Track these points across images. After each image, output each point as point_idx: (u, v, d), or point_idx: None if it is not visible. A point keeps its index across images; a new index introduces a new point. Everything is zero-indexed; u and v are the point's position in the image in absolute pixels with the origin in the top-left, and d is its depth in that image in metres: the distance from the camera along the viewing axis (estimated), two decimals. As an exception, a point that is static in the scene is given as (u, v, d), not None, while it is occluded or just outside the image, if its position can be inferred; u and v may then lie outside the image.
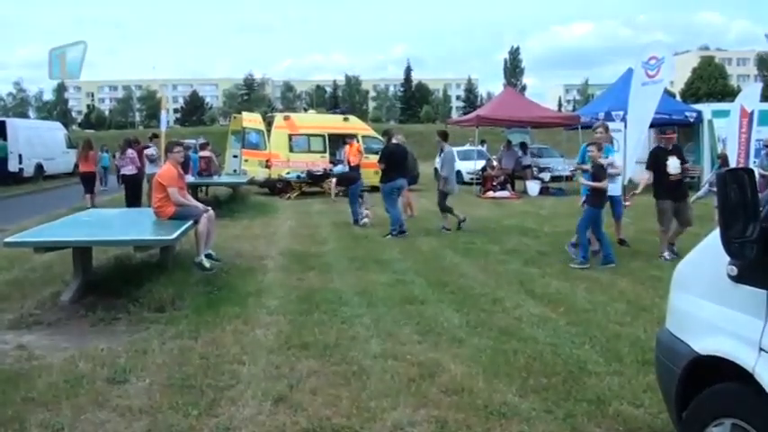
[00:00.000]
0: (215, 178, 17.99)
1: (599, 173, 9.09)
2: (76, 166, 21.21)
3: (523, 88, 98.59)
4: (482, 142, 28.54)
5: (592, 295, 7.37)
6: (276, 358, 5.24)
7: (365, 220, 13.32)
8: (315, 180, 20.29)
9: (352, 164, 21.41)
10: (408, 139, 12.93)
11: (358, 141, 21.77)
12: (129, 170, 15.78)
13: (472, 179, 22.48)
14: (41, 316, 6.66)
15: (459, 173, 25.71)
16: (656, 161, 9.48)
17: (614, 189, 9.99)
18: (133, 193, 15.59)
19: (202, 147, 18.97)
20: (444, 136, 12.89)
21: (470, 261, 9.51)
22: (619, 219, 10.60)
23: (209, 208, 8.81)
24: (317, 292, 7.52)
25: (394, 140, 12.43)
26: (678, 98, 56.11)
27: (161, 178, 8.56)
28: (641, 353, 5.20)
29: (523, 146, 23.19)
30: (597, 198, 9.14)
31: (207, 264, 8.30)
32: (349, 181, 14.33)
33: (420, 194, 15.88)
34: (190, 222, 8.19)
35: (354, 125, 22.93)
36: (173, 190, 8.43)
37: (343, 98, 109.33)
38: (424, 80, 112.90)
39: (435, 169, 28.91)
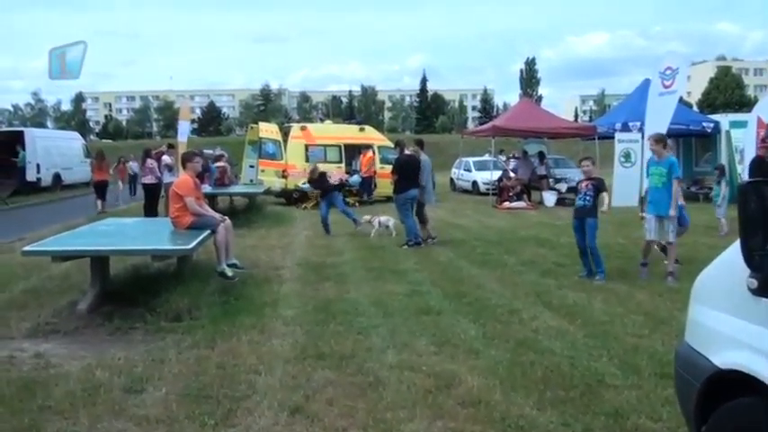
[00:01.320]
0: (230, 189, 18.06)
1: (602, 185, 9.09)
2: None
3: (539, 99, 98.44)
4: (502, 152, 28.54)
5: (609, 307, 7.32)
6: (292, 368, 5.25)
7: (361, 225, 13.64)
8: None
9: (363, 174, 21.59)
10: (425, 149, 12.89)
11: (374, 152, 21.94)
12: (148, 179, 15.96)
13: (488, 190, 22.48)
14: (58, 324, 6.71)
15: (475, 183, 25.97)
16: None
17: None
18: (152, 202, 15.75)
19: (217, 158, 19.17)
20: (421, 145, 12.78)
21: (487, 272, 9.49)
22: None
23: (226, 217, 8.85)
24: (334, 302, 7.53)
25: (407, 151, 12.42)
26: (695, 108, 55.81)
27: (178, 188, 8.59)
28: (660, 366, 5.15)
29: (541, 156, 23.14)
30: (594, 210, 9.14)
31: (229, 273, 8.30)
32: (324, 190, 14.34)
33: (436, 204, 15.87)
34: (207, 232, 8.20)
35: (370, 135, 23.08)
36: (190, 200, 8.44)
37: (359, 108, 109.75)
38: (439, 91, 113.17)
39: (451, 179, 29.16)
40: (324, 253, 11.29)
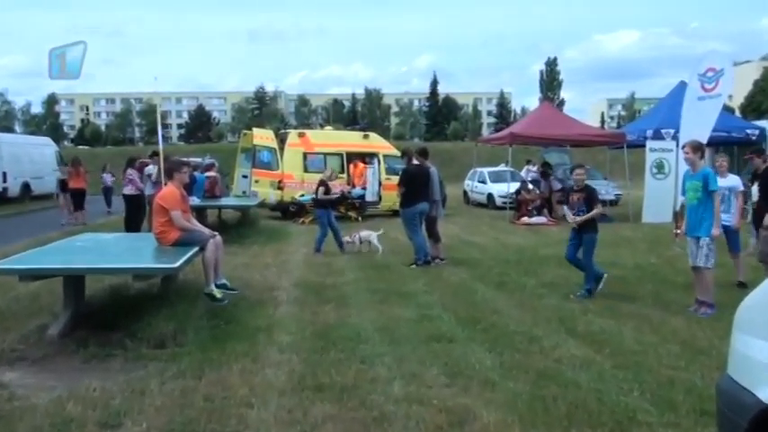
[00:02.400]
0: (220, 201, 18.16)
1: (594, 197, 9.36)
2: (62, 182, 21.40)
3: (561, 103, 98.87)
4: (529, 162, 28.55)
5: (641, 335, 7.28)
6: (288, 401, 5.23)
7: (349, 243, 13.63)
8: (332, 204, 20.30)
9: (357, 186, 21.70)
10: (435, 158, 12.92)
11: (378, 161, 22.04)
12: (128, 190, 16.00)
13: (505, 203, 22.53)
14: (26, 351, 6.67)
15: (490, 196, 26.00)
16: None
17: (728, 218, 9.72)
18: (133, 215, 15.77)
19: (207, 168, 19.25)
20: (425, 154, 12.71)
21: (504, 295, 9.50)
22: (737, 253, 10.14)
23: (216, 233, 8.88)
24: (334, 327, 7.53)
25: (414, 161, 12.43)
26: (738, 114, 55.77)
27: (162, 200, 8.60)
28: (698, 402, 5.11)
29: (544, 168, 22.85)
30: (593, 223, 9.45)
31: (219, 294, 8.29)
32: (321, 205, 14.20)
33: (447, 219, 15.93)
34: (195, 249, 8.19)
35: (375, 143, 23.26)
36: (176, 213, 8.47)
37: (363, 113, 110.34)
38: (451, 94, 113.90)
39: (464, 191, 29.22)
40: (323, 273, 11.31)
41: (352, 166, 22.35)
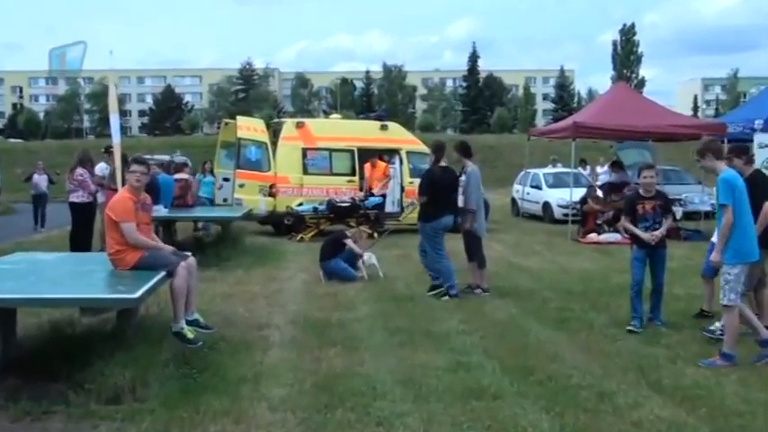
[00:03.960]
0: (196, 211, 18.22)
1: (669, 206, 9.80)
2: None
3: (641, 83, 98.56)
4: (582, 162, 28.48)
5: (747, 391, 7.24)
6: (281, 476, 5.22)
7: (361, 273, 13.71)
8: (339, 215, 20.36)
9: (375, 193, 21.56)
10: (474, 156, 12.88)
11: (401, 159, 21.97)
12: (77, 197, 15.87)
13: (566, 215, 22.43)
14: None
15: (547, 206, 25.91)
16: None
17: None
18: (81, 230, 15.69)
19: (177, 168, 19.28)
20: (466, 151, 12.73)
21: (565, 336, 9.50)
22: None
23: (188, 254, 8.94)
24: (342, 378, 7.54)
25: (443, 162, 12.37)
26: None
27: (111, 210, 8.63)
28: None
29: (616, 169, 22.75)
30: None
31: (190, 334, 8.34)
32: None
33: (490, 236, 15.87)
34: (161, 275, 8.21)
35: (396, 136, 23.16)
36: (127, 226, 8.49)
37: (381, 97, 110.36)
38: (496, 72, 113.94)
39: (513, 199, 29.16)
40: (328, 305, 11.35)
41: (368, 165, 22.36)
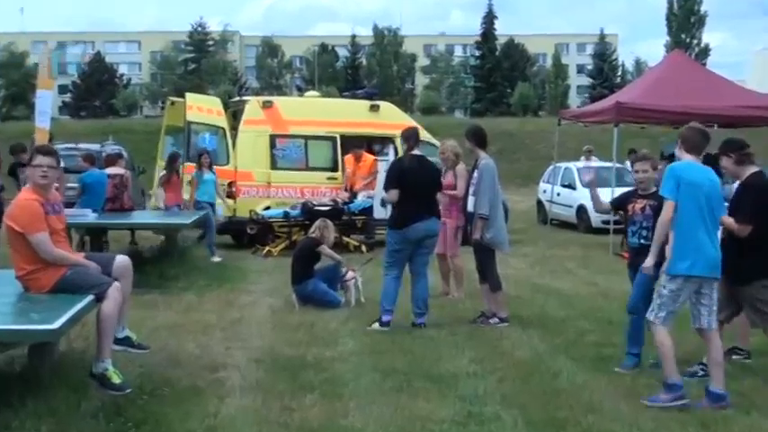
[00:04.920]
0: (133, 215, 18.17)
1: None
2: None
3: (704, 52, 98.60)
4: (630, 153, 28.14)
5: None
6: None
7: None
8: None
9: (357, 191, 21.10)
10: (491, 145, 12.56)
11: (395, 150, 21.56)
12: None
13: (607, 223, 22.38)
14: None
15: (582, 210, 25.73)
16: None
17: None
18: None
19: (109, 161, 18.92)
20: (479, 139, 12.39)
21: (605, 379, 9.31)
22: None
23: (117, 255, 8.97)
24: (322, 434, 7.31)
25: (417, 151, 12.07)
26: None
27: (13, 219, 8.34)
28: None
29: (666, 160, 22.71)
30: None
31: (116, 378, 8.01)
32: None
33: (515, 248, 15.67)
34: (88, 299, 7.95)
35: (390, 119, 22.88)
36: (39, 238, 8.22)
37: (371, 69, 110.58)
38: (517, 37, 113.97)
39: (539, 201, 28.93)
40: (303, 339, 11.12)
41: (350, 157, 22.06)
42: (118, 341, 8.53)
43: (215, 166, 20.66)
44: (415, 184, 11.69)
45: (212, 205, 19.74)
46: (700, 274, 8.36)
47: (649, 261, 8.60)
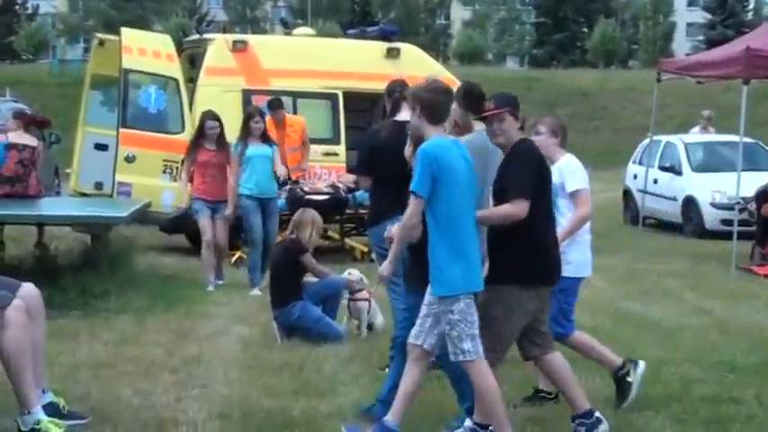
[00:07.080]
0: (42, 204, 18.26)
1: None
2: None
3: None
4: None
5: None
6: None
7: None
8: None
9: (291, 174, 20.99)
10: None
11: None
12: None
13: (729, 223, 22.60)
14: None
15: (691, 205, 26.01)
16: None
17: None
18: None
19: (21, 124, 18.98)
20: (474, 101, 11.77)
21: None
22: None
23: (25, 284, 8.80)
24: None
25: (402, 115, 11.53)
26: None
27: None
28: None
29: None
30: None
31: (55, 429, 8.20)
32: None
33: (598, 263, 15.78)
34: None
35: (414, 69, 22.18)
36: None
37: (385, 1, 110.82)
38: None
39: (626, 191, 29.00)
40: (287, 387, 11.19)
41: (270, 120, 21.28)
42: (45, 408, 8.39)
43: (161, 134, 21.01)
44: (394, 166, 11.05)
45: (265, 200, 18.16)
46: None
47: (388, 269, 8.77)
